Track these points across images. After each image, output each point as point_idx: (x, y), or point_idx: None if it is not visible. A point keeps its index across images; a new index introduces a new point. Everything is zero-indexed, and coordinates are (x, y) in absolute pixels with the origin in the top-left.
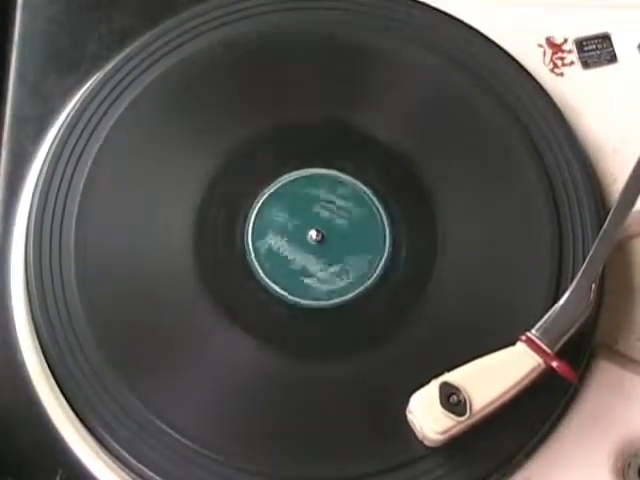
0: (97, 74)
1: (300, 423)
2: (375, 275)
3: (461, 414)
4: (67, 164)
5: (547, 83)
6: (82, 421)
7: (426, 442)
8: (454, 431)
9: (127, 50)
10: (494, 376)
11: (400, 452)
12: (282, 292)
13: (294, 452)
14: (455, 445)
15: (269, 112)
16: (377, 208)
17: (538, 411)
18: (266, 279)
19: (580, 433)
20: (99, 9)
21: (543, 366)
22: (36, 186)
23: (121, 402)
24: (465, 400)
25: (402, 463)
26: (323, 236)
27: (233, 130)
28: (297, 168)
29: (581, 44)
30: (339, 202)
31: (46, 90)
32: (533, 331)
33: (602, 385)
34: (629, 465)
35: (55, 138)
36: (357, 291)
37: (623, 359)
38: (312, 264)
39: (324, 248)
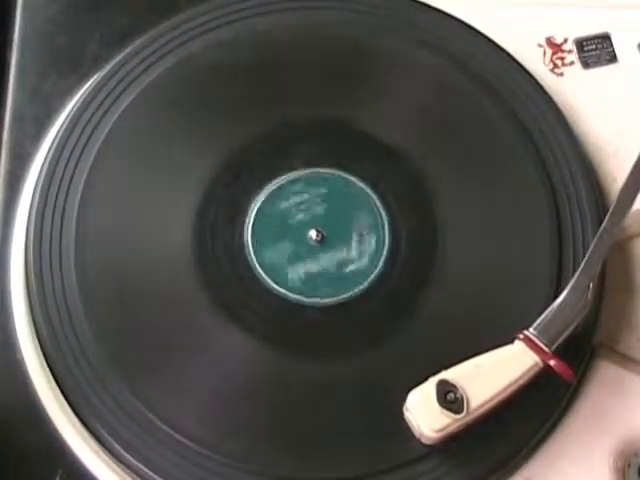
0: (97, 74)
1: (300, 423)
2: (374, 274)
3: (458, 412)
4: (67, 164)
5: (547, 83)
6: (82, 421)
7: (423, 440)
8: (451, 429)
9: (127, 50)
10: (491, 374)
11: (400, 452)
12: (282, 291)
13: (294, 452)
14: (455, 445)
15: (269, 112)
16: (377, 208)
17: (538, 411)
18: (266, 278)
19: (580, 433)
20: (99, 9)
21: (541, 365)
22: (36, 186)
23: (121, 402)
24: (462, 398)
25: (402, 463)
26: (323, 236)
27: (233, 129)
28: (296, 168)
29: (581, 44)
30: (339, 202)
31: (46, 90)
32: (531, 329)
33: (602, 385)
34: (629, 465)
35: (55, 138)
36: (357, 290)
37: (623, 359)
38: (312, 264)
39: (324, 248)
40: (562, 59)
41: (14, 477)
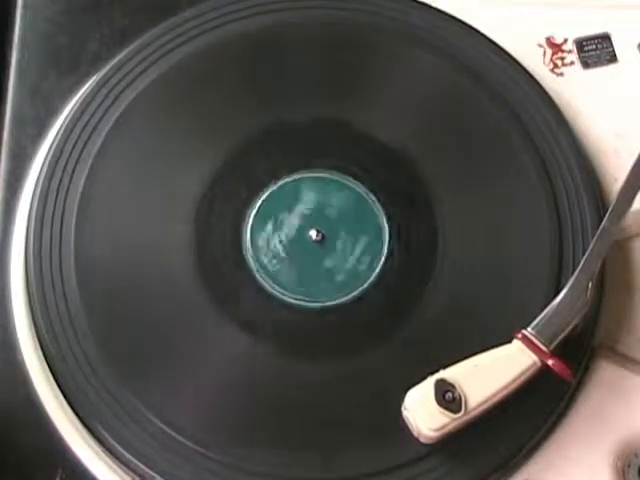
0: (97, 74)
1: (300, 423)
2: (374, 274)
3: (456, 411)
4: (67, 164)
5: (547, 83)
6: (82, 421)
7: (422, 439)
8: (449, 428)
9: (127, 50)
10: (490, 373)
11: (400, 452)
12: (281, 291)
13: (294, 452)
14: (455, 445)
15: (269, 112)
16: (377, 208)
17: (538, 411)
18: (265, 278)
19: (580, 433)
20: (99, 9)
21: (539, 364)
22: (36, 186)
23: (121, 402)
24: (460, 397)
25: (402, 463)
26: (323, 236)
27: (233, 130)
28: (296, 168)
29: (581, 44)
30: (339, 202)
31: (46, 90)
32: (529, 329)
33: (602, 385)
34: (629, 465)
35: (55, 138)
36: (357, 290)
37: (623, 359)
38: (312, 264)
39: (324, 248)
40: (562, 59)
41: (14, 477)
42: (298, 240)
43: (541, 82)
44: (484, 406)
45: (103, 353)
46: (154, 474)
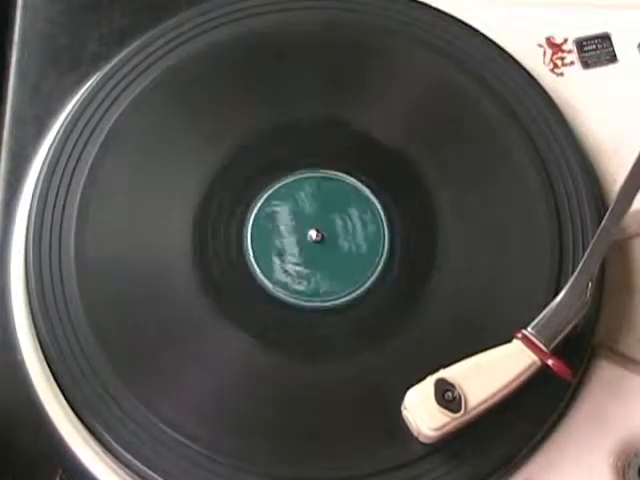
0: (97, 74)
1: (300, 423)
2: (374, 274)
3: (456, 411)
4: (67, 164)
5: (547, 83)
6: (82, 421)
7: (421, 438)
8: (449, 427)
9: (127, 50)
10: (490, 373)
11: (400, 452)
12: (281, 291)
13: (294, 452)
14: (455, 445)
15: (269, 112)
16: (376, 208)
17: (538, 411)
18: (265, 278)
19: (580, 433)
20: (99, 9)
21: (538, 364)
22: (36, 186)
23: (121, 402)
24: (460, 397)
25: (402, 463)
26: (323, 236)
27: (232, 130)
28: (296, 169)
29: (581, 44)
30: (339, 202)
31: (46, 90)
32: (529, 329)
33: (602, 385)
34: (629, 465)
35: (55, 138)
36: (356, 290)
37: (623, 359)
38: (312, 263)
39: (324, 248)
40: (562, 59)
41: (14, 477)
42: (298, 240)
43: (541, 82)
44: (484, 406)
45: (103, 353)
46: (154, 474)
